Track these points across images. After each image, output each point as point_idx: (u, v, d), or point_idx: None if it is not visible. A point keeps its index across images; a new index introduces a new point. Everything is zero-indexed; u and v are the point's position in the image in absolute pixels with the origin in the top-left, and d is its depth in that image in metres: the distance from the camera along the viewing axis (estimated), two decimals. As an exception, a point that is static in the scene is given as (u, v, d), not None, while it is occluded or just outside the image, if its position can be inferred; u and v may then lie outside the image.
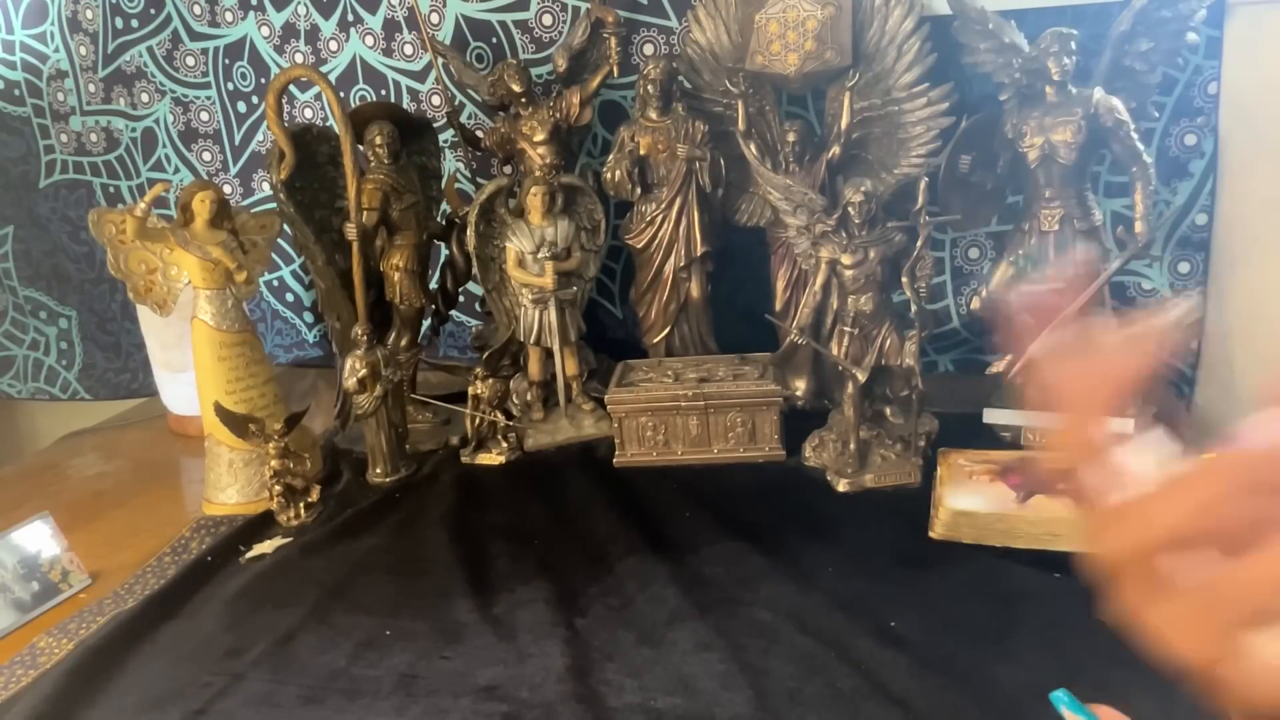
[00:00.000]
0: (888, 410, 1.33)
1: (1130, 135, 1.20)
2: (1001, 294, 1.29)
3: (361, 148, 1.43)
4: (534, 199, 1.41)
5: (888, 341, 1.25)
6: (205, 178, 1.85)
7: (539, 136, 1.49)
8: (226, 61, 1.79)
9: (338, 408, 1.54)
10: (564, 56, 1.52)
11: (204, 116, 1.84)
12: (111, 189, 1.92)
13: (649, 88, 1.43)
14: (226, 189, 1.82)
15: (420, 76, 1.69)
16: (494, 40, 1.63)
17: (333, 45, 1.72)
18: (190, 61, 1.81)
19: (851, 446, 1.26)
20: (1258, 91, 1.36)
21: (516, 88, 1.48)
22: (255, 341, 1.38)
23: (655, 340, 1.53)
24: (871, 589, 1.03)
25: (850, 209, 1.22)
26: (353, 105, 1.65)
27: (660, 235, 1.47)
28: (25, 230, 1.92)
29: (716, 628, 0.98)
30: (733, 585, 1.06)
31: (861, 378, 1.25)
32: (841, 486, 1.25)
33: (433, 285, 1.58)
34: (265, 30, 1.75)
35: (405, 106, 1.65)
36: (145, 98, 1.84)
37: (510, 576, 1.11)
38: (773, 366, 1.38)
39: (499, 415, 1.42)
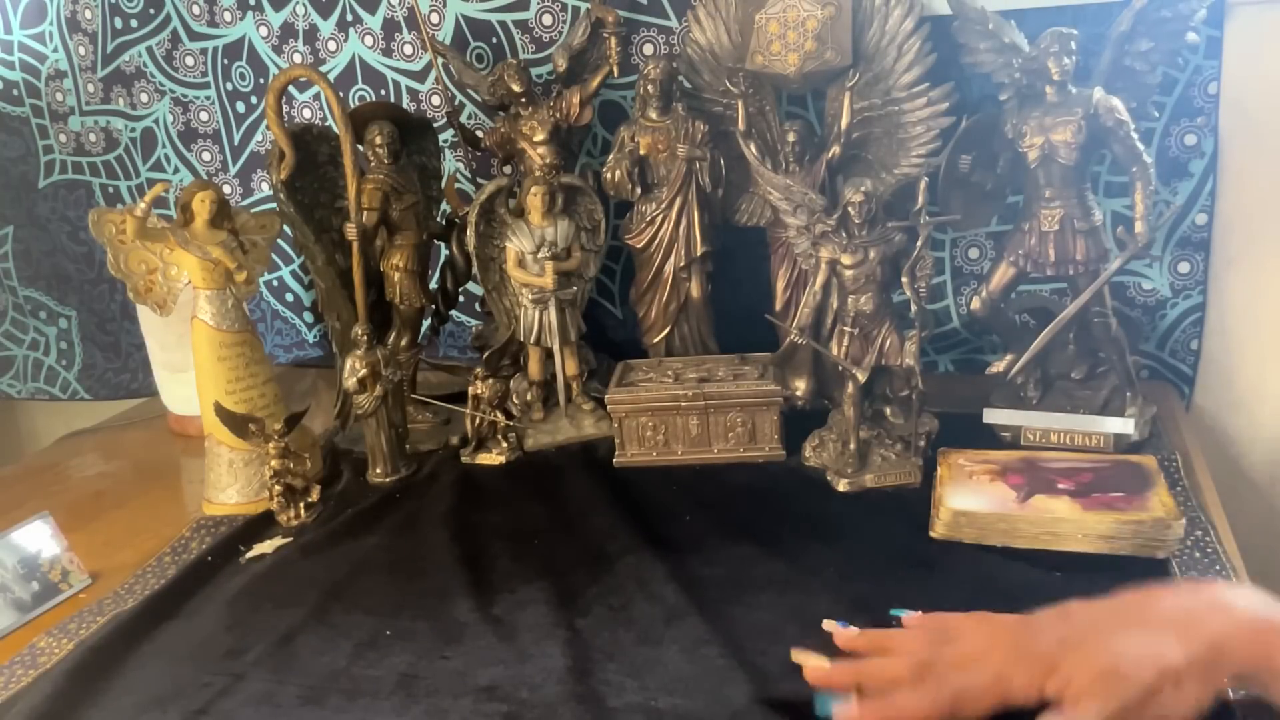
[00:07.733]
0: (888, 410, 1.33)
1: (1130, 135, 1.20)
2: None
3: (361, 148, 1.43)
4: (534, 199, 1.41)
5: (888, 341, 1.25)
6: (205, 178, 1.85)
7: (539, 136, 1.49)
8: (225, 61, 1.79)
9: (338, 408, 1.54)
10: (564, 56, 1.52)
11: (203, 116, 1.84)
12: (111, 189, 1.92)
13: (649, 88, 1.43)
14: (226, 189, 1.83)
15: (420, 76, 1.69)
16: (494, 40, 1.63)
17: (331, 45, 1.72)
18: (189, 61, 1.81)
19: (851, 446, 1.26)
20: (1258, 91, 1.36)
21: (516, 88, 1.48)
22: (255, 341, 1.37)
23: (655, 340, 1.53)
24: (872, 589, 1.03)
25: (850, 209, 1.22)
26: (352, 105, 1.65)
27: (660, 235, 1.47)
28: (25, 230, 1.92)
29: (717, 627, 0.98)
30: (733, 585, 1.06)
31: (861, 378, 1.25)
32: (841, 486, 1.25)
33: (433, 285, 1.58)
34: (263, 30, 1.75)
35: (405, 106, 1.65)
36: (144, 98, 1.84)
37: (510, 576, 1.11)
38: (773, 366, 1.38)
39: (499, 415, 1.42)
